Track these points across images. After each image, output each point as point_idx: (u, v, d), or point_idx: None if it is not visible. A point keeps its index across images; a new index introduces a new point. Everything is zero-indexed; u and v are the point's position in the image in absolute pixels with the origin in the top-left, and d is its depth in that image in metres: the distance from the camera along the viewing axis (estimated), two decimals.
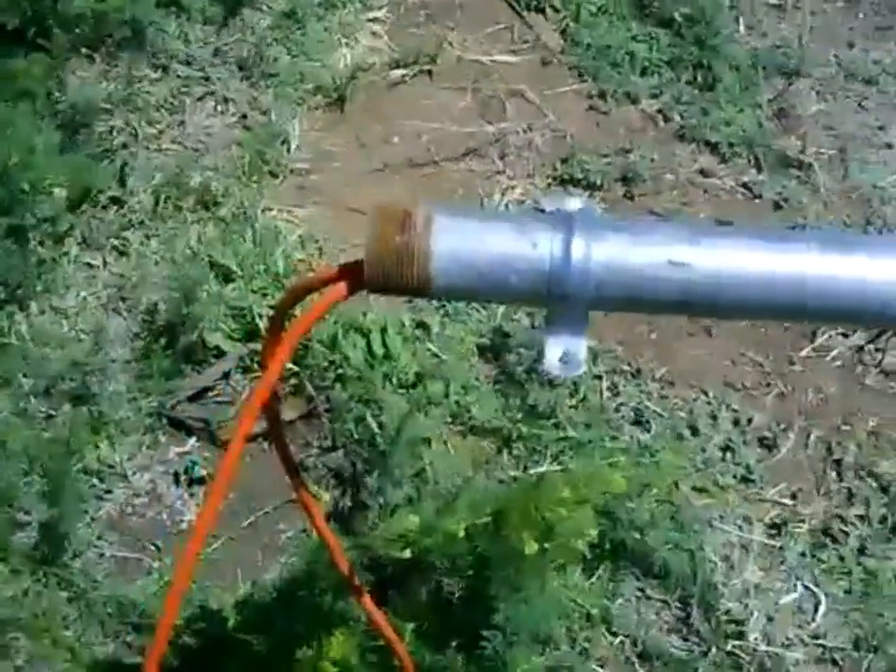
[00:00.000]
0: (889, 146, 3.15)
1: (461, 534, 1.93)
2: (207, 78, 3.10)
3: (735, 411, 2.60)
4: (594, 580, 2.29)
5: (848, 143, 3.13)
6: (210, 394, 2.55)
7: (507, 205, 2.95)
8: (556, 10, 3.38)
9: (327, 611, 1.99)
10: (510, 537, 1.84)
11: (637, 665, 2.25)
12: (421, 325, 2.67)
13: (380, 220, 0.89)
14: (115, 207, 2.82)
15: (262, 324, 2.58)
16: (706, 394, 2.63)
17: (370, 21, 3.32)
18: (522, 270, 0.88)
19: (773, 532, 2.43)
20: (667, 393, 2.63)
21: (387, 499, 2.34)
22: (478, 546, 1.95)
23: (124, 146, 2.92)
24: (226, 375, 2.57)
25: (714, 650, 2.26)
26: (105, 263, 2.74)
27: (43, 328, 2.59)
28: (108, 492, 2.40)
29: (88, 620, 2.17)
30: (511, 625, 1.98)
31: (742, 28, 3.38)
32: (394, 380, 2.54)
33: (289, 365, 2.47)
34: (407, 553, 1.98)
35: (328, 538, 1.37)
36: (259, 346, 2.55)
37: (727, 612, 2.30)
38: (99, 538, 2.33)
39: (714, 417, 2.59)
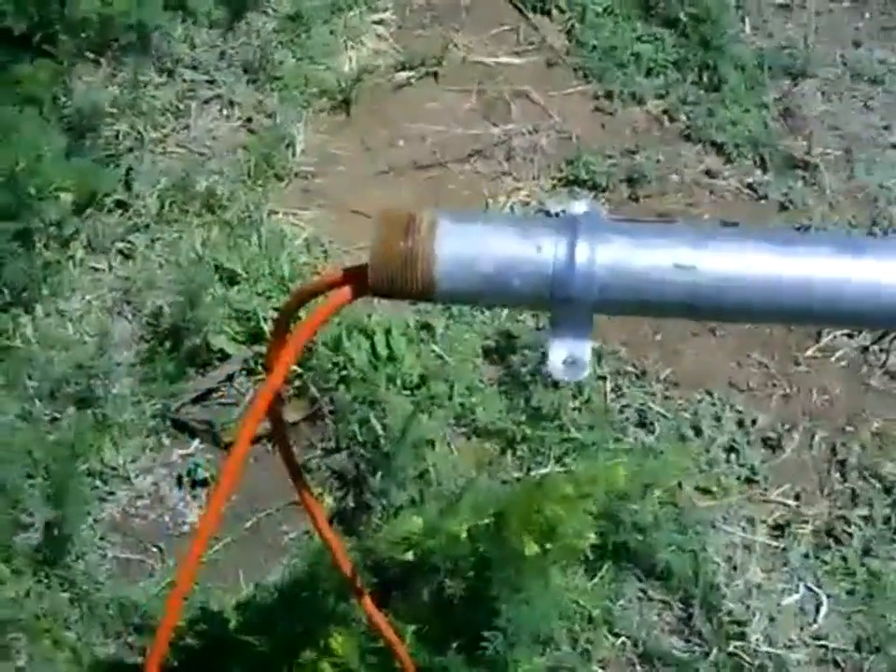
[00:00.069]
0: (895, 146, 3.14)
1: (464, 535, 1.93)
2: (213, 82, 3.11)
3: (740, 411, 2.60)
4: (596, 580, 2.28)
5: (854, 143, 3.12)
6: (214, 396, 2.56)
7: (512, 207, 2.95)
8: (562, 11, 3.38)
9: (329, 613, 1.99)
10: (511, 538, 1.85)
11: (638, 666, 2.25)
12: (425, 326, 2.67)
13: (384, 225, 0.89)
14: (120, 211, 2.83)
15: (267, 327, 2.59)
16: (710, 395, 2.63)
17: (375, 23, 3.33)
18: (526, 273, 0.88)
19: (776, 533, 2.42)
20: (672, 394, 2.62)
21: (391, 501, 2.34)
22: (480, 547, 1.95)
23: (130, 150, 2.94)
24: (230, 378, 2.58)
25: (716, 651, 2.26)
26: (110, 267, 2.76)
27: (48, 331, 2.61)
28: (111, 494, 2.41)
29: (90, 621, 2.18)
30: (512, 626, 1.98)
31: (748, 28, 3.38)
32: (398, 381, 2.54)
33: (294, 367, 2.48)
34: (410, 555, 1.99)
35: (330, 539, 1.38)
36: (263, 349, 2.55)
37: (729, 613, 2.30)
38: (102, 539, 2.34)
39: (718, 418, 2.58)
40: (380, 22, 3.35)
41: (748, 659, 2.26)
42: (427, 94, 3.20)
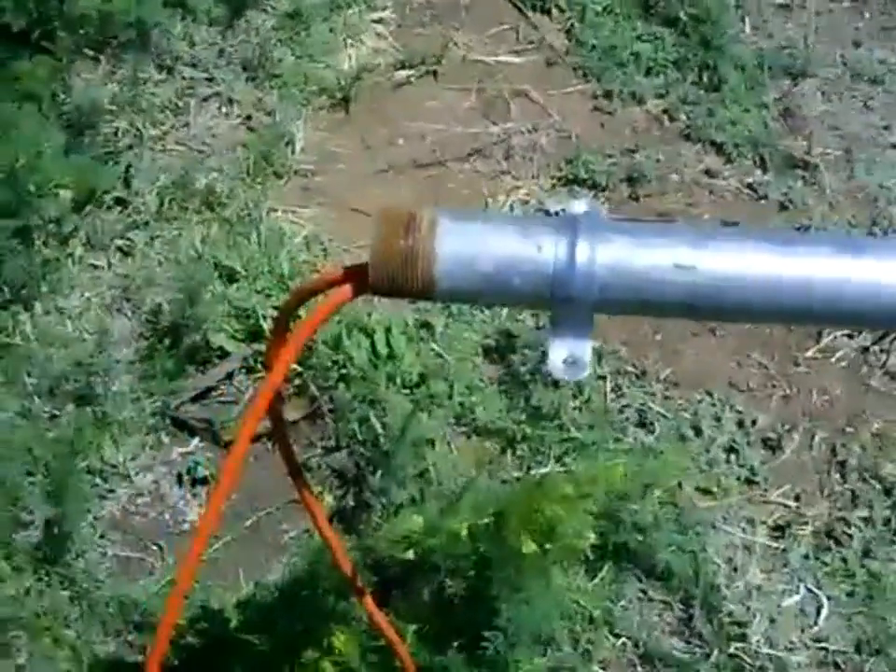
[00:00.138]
0: (895, 146, 3.14)
1: (464, 534, 1.93)
2: (212, 80, 3.11)
3: (740, 412, 2.60)
4: (596, 581, 2.28)
5: (854, 143, 3.12)
6: (213, 394, 2.56)
7: (511, 206, 2.95)
8: (561, 11, 3.38)
9: (329, 612, 1.99)
10: (511, 537, 1.84)
11: (639, 667, 2.25)
12: (425, 325, 2.67)
13: (384, 223, 0.89)
14: (120, 208, 2.82)
15: (266, 325, 2.58)
16: (710, 395, 2.62)
17: (374, 21, 3.33)
18: (526, 273, 0.88)
19: (776, 534, 2.42)
20: (672, 394, 2.62)
21: (391, 500, 2.34)
22: (480, 547, 1.95)
23: (129, 147, 2.93)
24: (229, 376, 2.57)
25: (716, 652, 2.26)
26: (109, 264, 2.75)
27: (47, 328, 2.60)
28: (111, 491, 2.40)
29: (90, 619, 2.18)
30: (513, 626, 1.98)
31: (748, 28, 3.38)
32: (398, 380, 2.54)
33: (293, 365, 2.47)
34: (410, 554, 1.99)
35: (330, 538, 1.38)
36: (262, 347, 2.55)
37: (729, 614, 2.30)
38: (102, 537, 2.34)
39: (718, 418, 2.58)
40: (379, 21, 3.34)
41: (748, 660, 2.25)
42: (426, 93, 3.20)
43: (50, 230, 2.70)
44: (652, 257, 0.88)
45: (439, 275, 0.88)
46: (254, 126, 3.05)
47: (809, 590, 2.35)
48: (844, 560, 2.39)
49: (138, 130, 2.96)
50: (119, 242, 2.77)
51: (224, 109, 3.08)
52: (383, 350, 2.56)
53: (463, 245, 0.88)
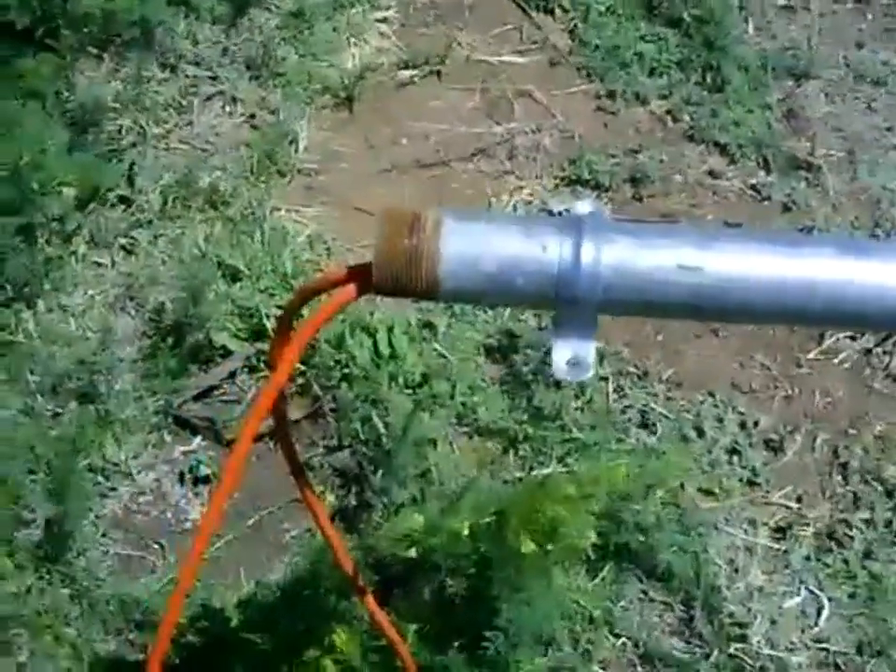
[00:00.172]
0: None
1: (465, 534, 1.93)
2: (215, 78, 3.11)
3: (742, 413, 2.60)
4: (597, 581, 2.28)
5: (857, 145, 3.12)
6: (216, 393, 2.56)
7: (515, 206, 2.95)
8: (565, 11, 3.38)
9: (330, 611, 1.99)
10: (512, 537, 1.84)
11: (639, 667, 2.25)
12: (428, 325, 2.67)
13: (388, 223, 0.89)
14: (123, 206, 2.82)
15: (269, 324, 2.58)
16: (712, 396, 2.62)
17: (378, 21, 3.33)
18: (530, 273, 0.88)
19: (778, 535, 2.42)
20: (674, 395, 2.62)
21: (392, 499, 2.34)
22: (481, 546, 1.95)
23: (133, 145, 2.93)
24: (232, 375, 2.57)
25: (716, 653, 2.26)
26: (112, 262, 2.75)
27: (50, 326, 2.60)
28: (113, 490, 2.40)
29: (91, 617, 2.18)
30: (513, 626, 1.98)
31: (751, 29, 3.38)
32: (400, 380, 2.54)
33: (296, 364, 2.47)
34: (411, 553, 1.99)
35: (331, 537, 1.38)
36: (265, 346, 2.55)
37: (730, 615, 2.30)
38: (103, 535, 2.34)
39: (720, 420, 2.58)
40: (383, 20, 3.34)
41: (749, 661, 2.25)
42: (430, 93, 3.20)
43: (54, 227, 2.70)
44: (656, 258, 0.88)
45: (443, 275, 0.88)
46: (257, 125, 3.05)
47: (810, 591, 2.35)
48: (845, 562, 2.39)
49: (142, 128, 2.97)
50: (123, 240, 2.78)
51: (227, 108, 3.08)
52: (385, 350, 2.56)
53: (467, 245, 0.88)
